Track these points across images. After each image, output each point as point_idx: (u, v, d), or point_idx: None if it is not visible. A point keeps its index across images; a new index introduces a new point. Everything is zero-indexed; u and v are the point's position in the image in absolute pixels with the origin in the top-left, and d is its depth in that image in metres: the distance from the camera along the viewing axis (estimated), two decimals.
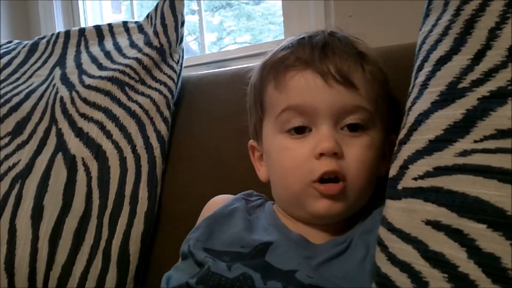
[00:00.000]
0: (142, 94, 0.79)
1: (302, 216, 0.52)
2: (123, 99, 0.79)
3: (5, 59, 0.92)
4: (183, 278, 0.49)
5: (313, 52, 0.51)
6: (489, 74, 0.35)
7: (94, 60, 0.86)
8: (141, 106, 0.78)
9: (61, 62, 0.89)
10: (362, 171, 0.49)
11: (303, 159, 0.49)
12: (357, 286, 0.44)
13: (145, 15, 0.91)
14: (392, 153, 0.44)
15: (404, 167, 0.40)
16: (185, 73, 0.87)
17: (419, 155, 0.38)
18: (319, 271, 0.46)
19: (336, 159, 0.48)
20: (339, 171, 0.48)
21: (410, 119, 0.41)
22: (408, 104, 0.43)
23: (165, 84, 0.80)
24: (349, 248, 0.48)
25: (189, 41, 1.74)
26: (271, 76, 0.53)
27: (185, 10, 0.86)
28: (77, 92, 0.81)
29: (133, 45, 0.86)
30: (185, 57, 0.88)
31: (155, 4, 0.87)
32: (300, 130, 0.50)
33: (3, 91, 0.86)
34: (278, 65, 0.53)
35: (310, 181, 0.48)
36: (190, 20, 1.61)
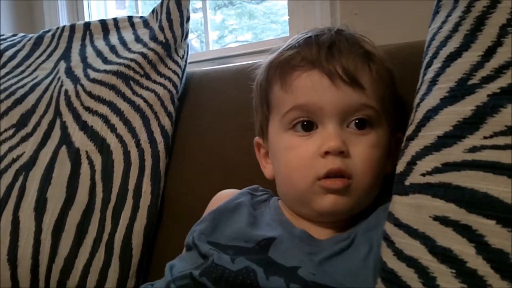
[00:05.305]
0: (147, 88, 0.79)
1: (307, 214, 0.52)
2: (128, 93, 0.79)
3: (10, 52, 0.92)
4: (186, 267, 0.49)
5: (320, 52, 0.50)
6: (499, 71, 0.35)
7: (99, 54, 0.86)
8: (145, 101, 0.78)
9: (66, 55, 0.89)
10: (368, 169, 0.49)
11: (309, 158, 0.49)
12: (359, 283, 0.44)
13: (148, 11, 0.91)
14: (398, 151, 0.44)
15: (412, 163, 0.40)
16: (188, 69, 0.87)
17: (427, 151, 0.38)
18: (322, 268, 0.46)
19: (342, 157, 0.48)
20: (344, 170, 0.48)
21: (418, 115, 0.41)
22: (417, 100, 0.43)
23: (169, 79, 0.80)
24: (352, 245, 0.48)
25: (191, 39, 1.74)
26: (277, 76, 0.53)
27: None
28: (82, 86, 0.81)
29: (138, 39, 0.86)
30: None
31: (158, 0, 0.87)
32: (307, 127, 0.50)
33: (8, 83, 0.86)
34: (284, 64, 0.52)
35: (315, 179, 0.48)
36: (192, 18, 1.61)
